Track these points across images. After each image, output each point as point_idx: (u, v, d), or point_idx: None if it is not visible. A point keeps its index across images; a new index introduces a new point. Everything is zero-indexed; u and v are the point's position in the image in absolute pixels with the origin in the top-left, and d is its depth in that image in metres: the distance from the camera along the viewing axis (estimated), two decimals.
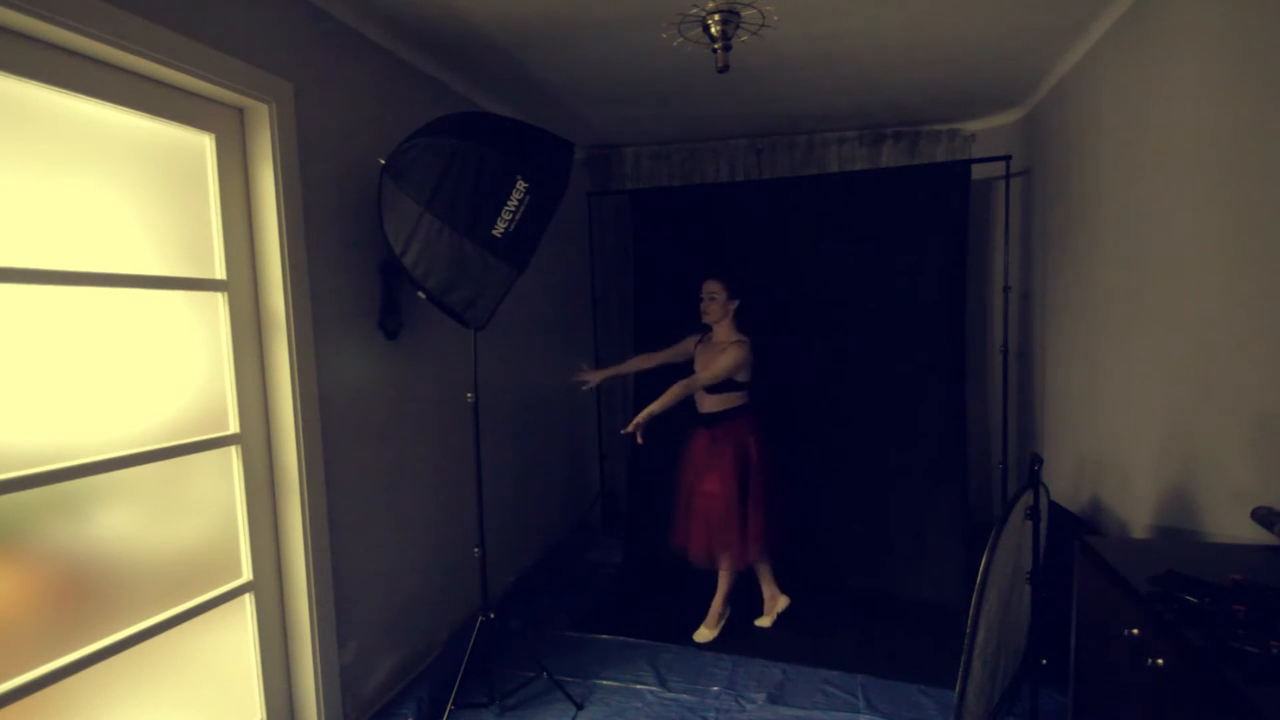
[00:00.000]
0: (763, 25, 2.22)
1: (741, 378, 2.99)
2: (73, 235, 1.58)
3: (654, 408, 2.80)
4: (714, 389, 2.98)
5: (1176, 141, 2.00)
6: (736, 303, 3.02)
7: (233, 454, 1.99)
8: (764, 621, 3.13)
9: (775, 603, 3.17)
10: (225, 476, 1.98)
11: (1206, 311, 1.85)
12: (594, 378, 3.26)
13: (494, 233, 2.12)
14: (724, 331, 3.04)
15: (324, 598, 2.15)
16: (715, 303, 2.99)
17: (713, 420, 3.03)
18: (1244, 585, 1.22)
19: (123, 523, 1.72)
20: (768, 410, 3.67)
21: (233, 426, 1.98)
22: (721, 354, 2.95)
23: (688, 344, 3.18)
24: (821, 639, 2.98)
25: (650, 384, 3.80)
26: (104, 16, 1.51)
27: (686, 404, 2.99)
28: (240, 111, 1.98)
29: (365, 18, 2.31)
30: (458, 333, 2.58)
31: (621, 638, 3.02)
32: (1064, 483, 2.88)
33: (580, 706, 2.52)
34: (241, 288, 1.99)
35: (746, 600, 3.18)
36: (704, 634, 3.03)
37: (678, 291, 3.69)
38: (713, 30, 2.15)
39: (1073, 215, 2.82)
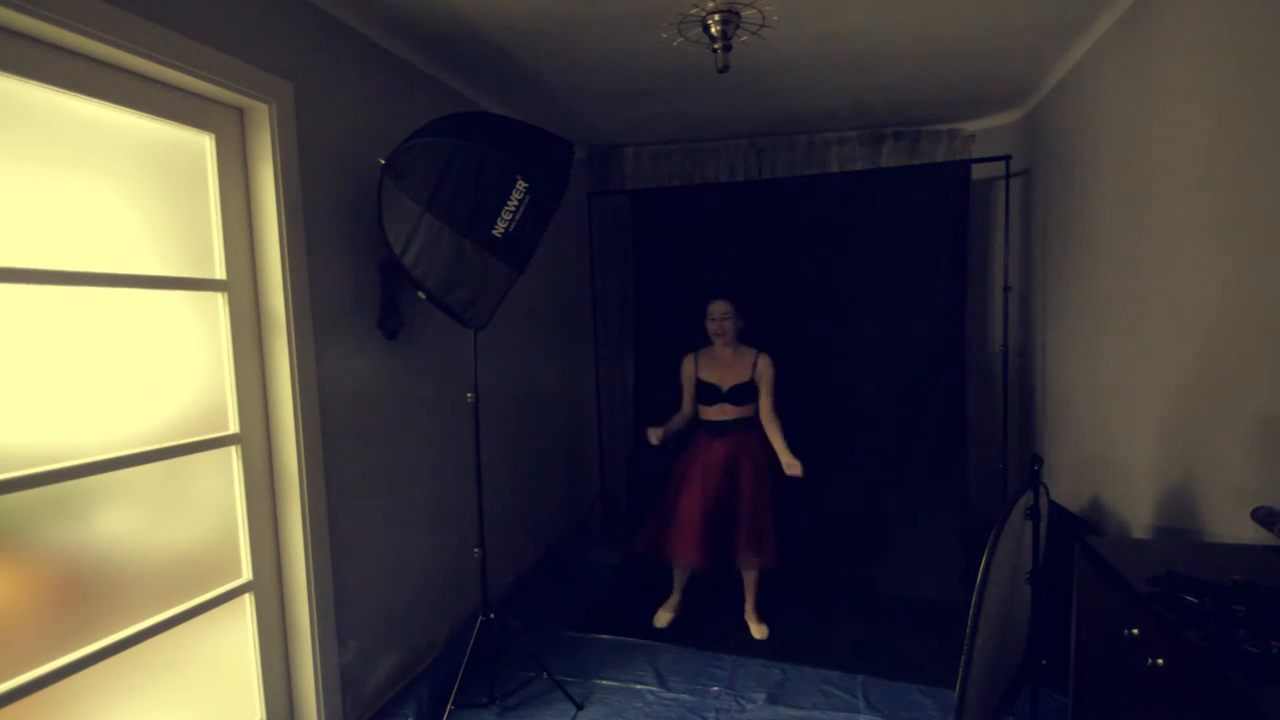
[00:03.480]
0: (763, 25, 2.22)
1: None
2: (73, 235, 1.58)
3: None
4: (739, 399, 3.04)
5: (1176, 141, 2.00)
6: (743, 320, 3.10)
7: (233, 454, 1.99)
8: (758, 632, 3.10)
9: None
10: (225, 476, 1.98)
11: (1207, 311, 1.85)
12: (656, 436, 3.13)
13: (494, 233, 2.12)
14: (733, 345, 3.10)
15: (324, 598, 2.15)
16: (729, 321, 3.06)
17: (733, 428, 3.06)
18: (1244, 585, 1.22)
19: (123, 523, 1.72)
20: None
21: (233, 426, 1.98)
22: (764, 368, 3.06)
23: (688, 369, 3.17)
24: (821, 639, 2.98)
25: (648, 390, 3.82)
26: (104, 16, 1.51)
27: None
28: (240, 111, 1.98)
29: (365, 18, 2.31)
30: (458, 333, 2.58)
31: (621, 638, 3.02)
32: (1064, 483, 2.88)
33: (580, 706, 2.52)
34: (241, 288, 1.99)
35: (743, 598, 3.17)
36: (760, 630, 3.04)
37: (677, 291, 3.70)
38: (713, 30, 2.15)
39: (1073, 215, 2.82)
